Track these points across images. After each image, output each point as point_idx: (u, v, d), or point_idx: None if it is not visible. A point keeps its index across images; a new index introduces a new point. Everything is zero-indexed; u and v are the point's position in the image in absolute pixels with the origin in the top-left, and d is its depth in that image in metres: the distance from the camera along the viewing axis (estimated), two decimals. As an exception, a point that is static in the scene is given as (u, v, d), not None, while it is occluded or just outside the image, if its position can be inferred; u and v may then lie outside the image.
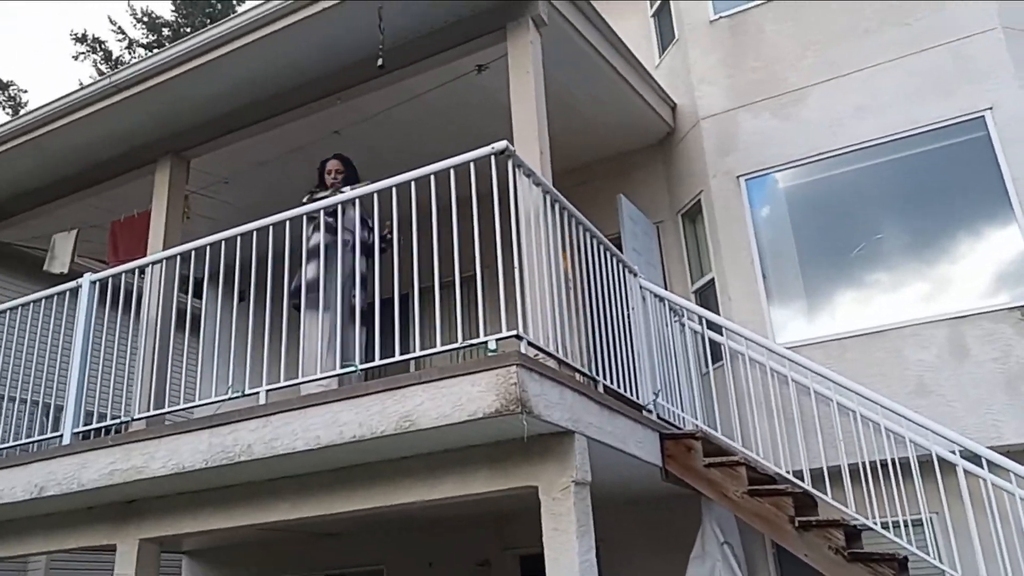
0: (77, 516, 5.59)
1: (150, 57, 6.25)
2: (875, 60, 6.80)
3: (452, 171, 4.19)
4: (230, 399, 4.51)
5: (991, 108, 6.25)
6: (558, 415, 3.99)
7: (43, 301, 5.72)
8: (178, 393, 5.19)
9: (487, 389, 3.70)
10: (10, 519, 5.82)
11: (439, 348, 3.95)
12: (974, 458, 5.17)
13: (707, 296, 7.21)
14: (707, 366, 6.51)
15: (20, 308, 5.85)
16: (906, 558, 5.04)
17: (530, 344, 3.97)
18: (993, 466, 5.07)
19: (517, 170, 4.28)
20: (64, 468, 5.08)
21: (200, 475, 4.58)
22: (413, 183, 4.28)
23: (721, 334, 6.28)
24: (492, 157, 4.12)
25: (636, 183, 7.98)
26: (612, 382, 5.13)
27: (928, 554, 5.26)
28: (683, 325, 6.47)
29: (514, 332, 3.82)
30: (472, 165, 4.16)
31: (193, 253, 5.17)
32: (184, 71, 6.14)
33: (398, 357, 4.07)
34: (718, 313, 6.90)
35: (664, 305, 6.24)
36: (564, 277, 4.63)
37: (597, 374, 4.91)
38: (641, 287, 5.99)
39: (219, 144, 6.71)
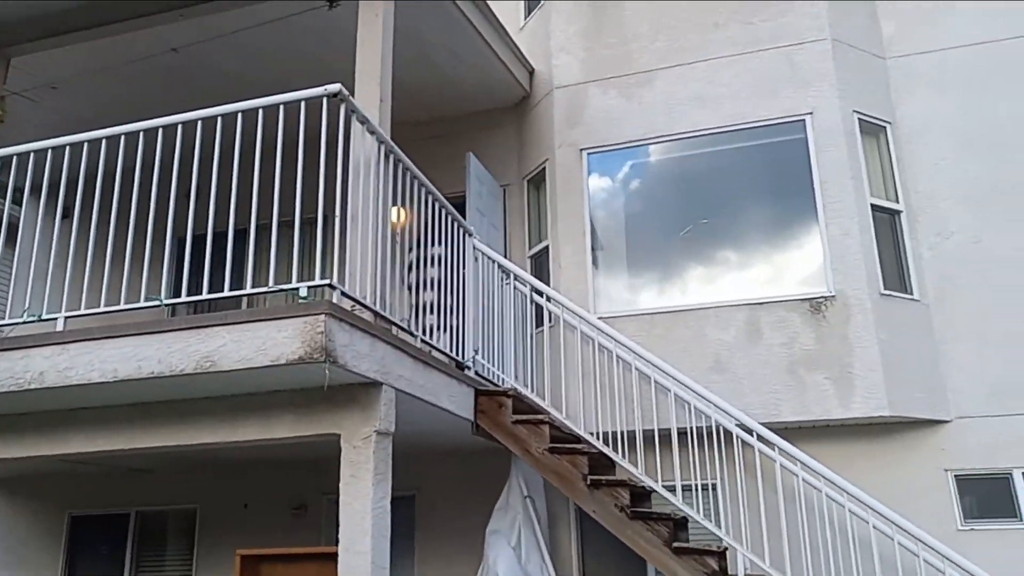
0: None
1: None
2: (719, 53, 7.19)
3: (281, 107, 4.10)
4: (24, 323, 4.28)
5: (811, 113, 6.78)
6: (366, 366, 4.08)
7: None
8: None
9: (293, 336, 3.73)
10: None
11: (248, 290, 3.92)
12: (749, 432, 5.68)
13: (542, 262, 7.48)
14: (534, 328, 6.78)
15: None
16: (685, 519, 5.54)
17: (344, 295, 4.01)
18: (764, 440, 5.60)
19: (351, 116, 4.25)
20: None
21: (-17, 400, 4.34)
22: (240, 115, 4.16)
23: (545, 299, 6.55)
24: (324, 99, 4.06)
25: (489, 143, 8.09)
26: (433, 338, 5.27)
27: (707, 516, 5.68)
28: (515, 288, 6.68)
29: (327, 281, 3.85)
30: (303, 104, 4.08)
31: (-2, 161, 4.79)
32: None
33: (205, 295, 4.00)
34: (548, 279, 7.20)
35: (495, 267, 6.41)
36: (392, 231, 4.69)
37: (418, 329, 5.03)
38: (474, 248, 6.14)
39: (46, 45, 6.18)
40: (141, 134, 4.36)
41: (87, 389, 4.07)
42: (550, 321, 6.77)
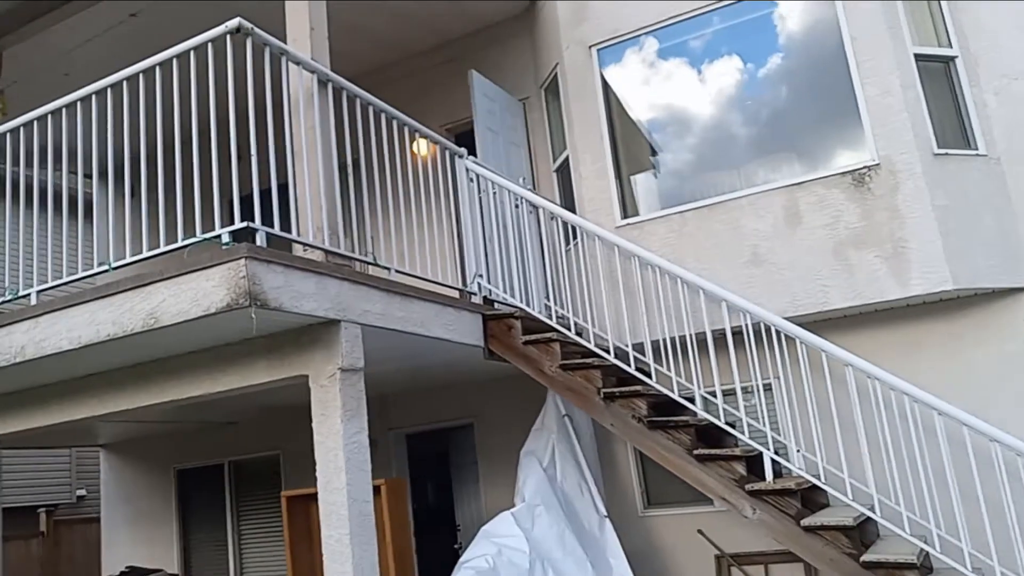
0: None
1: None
2: (728, -85, 6.39)
3: (192, 53, 3.98)
4: (4, 302, 4.49)
5: (835, -39, 5.93)
6: (313, 305, 3.97)
7: None
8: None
9: (220, 284, 3.66)
10: None
11: (179, 243, 3.88)
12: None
13: (566, 174, 7.07)
14: (564, 247, 6.42)
15: None
16: (711, 424, 5.12)
17: (271, 235, 3.88)
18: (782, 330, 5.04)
19: (264, 49, 4.07)
20: None
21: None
22: (158, 68, 4.08)
23: (558, 215, 6.16)
24: (227, 36, 3.89)
25: (505, 57, 7.71)
26: (418, 268, 5.11)
27: (741, 420, 5.25)
28: (533, 207, 6.35)
29: (245, 224, 3.74)
30: (210, 46, 3.94)
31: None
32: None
33: (146, 253, 4.01)
34: (572, 191, 6.82)
35: (491, 186, 6.09)
36: (339, 163, 4.51)
37: (393, 260, 4.88)
38: (468, 169, 5.86)
39: (28, 32, 6.33)
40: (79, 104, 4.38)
41: (62, 357, 4.21)
42: (575, 238, 6.41)
